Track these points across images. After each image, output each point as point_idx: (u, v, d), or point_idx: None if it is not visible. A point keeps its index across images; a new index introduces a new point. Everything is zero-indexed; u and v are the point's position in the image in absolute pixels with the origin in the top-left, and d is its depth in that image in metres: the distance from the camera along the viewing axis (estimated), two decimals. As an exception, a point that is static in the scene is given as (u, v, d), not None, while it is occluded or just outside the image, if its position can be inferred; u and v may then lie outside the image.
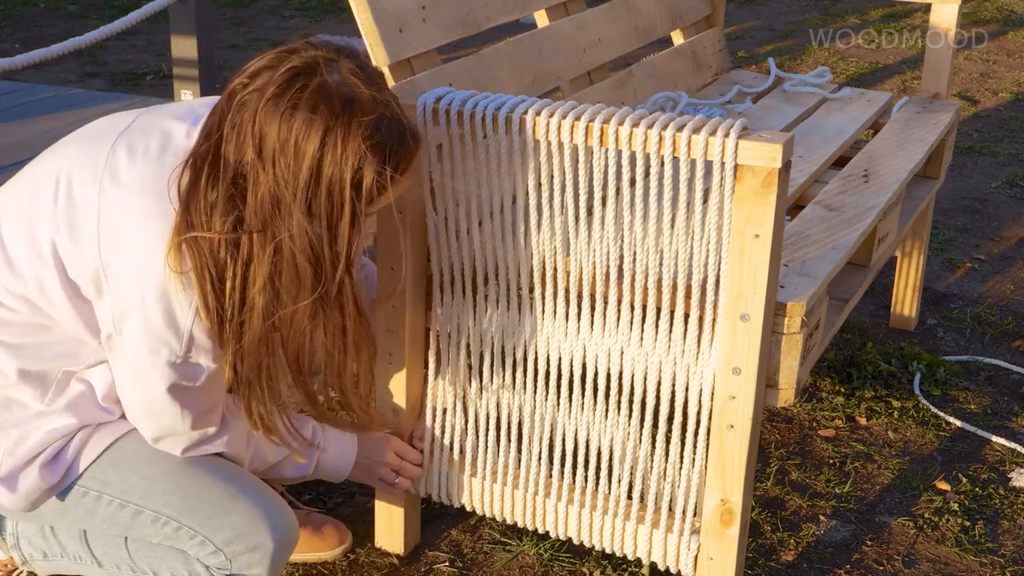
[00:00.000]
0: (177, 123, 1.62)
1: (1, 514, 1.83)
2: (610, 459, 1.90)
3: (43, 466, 1.69)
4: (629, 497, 1.95)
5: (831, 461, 2.48)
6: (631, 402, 1.84)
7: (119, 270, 1.55)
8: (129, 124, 1.64)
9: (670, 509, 1.88)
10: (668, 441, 1.85)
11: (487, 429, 1.98)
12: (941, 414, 2.66)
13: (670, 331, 1.77)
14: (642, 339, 1.79)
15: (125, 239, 1.54)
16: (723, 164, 1.63)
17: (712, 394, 1.77)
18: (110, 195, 1.55)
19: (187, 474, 1.72)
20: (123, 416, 1.74)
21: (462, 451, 2.03)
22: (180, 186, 1.53)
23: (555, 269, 1.82)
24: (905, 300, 3.04)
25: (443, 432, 2.01)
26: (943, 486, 2.41)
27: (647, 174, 1.72)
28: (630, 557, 1.92)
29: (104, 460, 1.71)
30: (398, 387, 1.98)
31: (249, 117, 1.48)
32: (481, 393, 1.95)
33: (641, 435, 1.86)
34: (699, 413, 1.79)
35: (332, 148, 1.47)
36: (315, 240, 1.50)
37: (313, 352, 1.62)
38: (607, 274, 1.78)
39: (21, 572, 1.92)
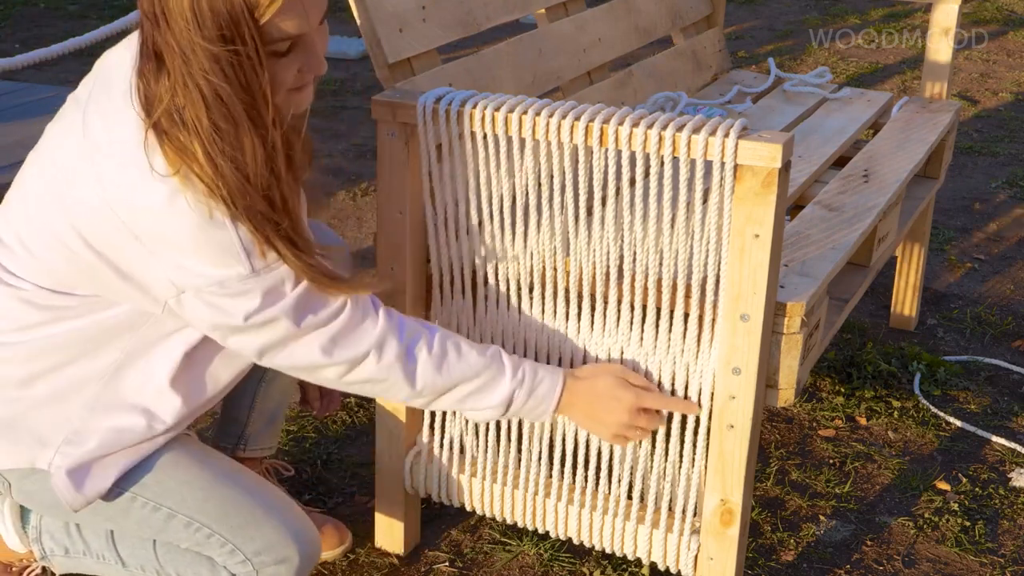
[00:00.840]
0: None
1: (31, 507, 1.83)
2: (610, 459, 1.90)
3: (102, 468, 1.69)
4: (629, 497, 1.95)
5: (831, 461, 2.48)
6: (631, 402, 1.84)
7: (148, 235, 1.54)
8: (90, 91, 1.64)
9: (670, 509, 1.88)
10: (668, 441, 1.85)
11: (487, 429, 1.98)
12: (941, 414, 2.66)
13: (670, 331, 1.77)
14: (642, 339, 1.79)
15: (133, 202, 1.53)
16: (723, 164, 1.63)
17: (712, 394, 1.77)
18: (102, 165, 1.55)
19: (222, 484, 1.73)
20: (179, 411, 1.73)
21: (462, 451, 2.03)
22: (141, 100, 1.54)
23: (555, 269, 1.82)
24: (905, 300, 3.04)
25: (443, 432, 2.01)
26: (943, 486, 2.41)
27: (647, 174, 1.72)
28: (630, 557, 1.92)
29: (142, 463, 1.72)
30: (398, 387, 1.99)
31: None
32: (481, 393, 1.95)
33: (641, 435, 1.87)
34: (699, 413, 1.79)
35: None
36: (227, 66, 1.48)
37: (279, 182, 1.57)
38: (607, 274, 1.78)
39: (33, 569, 1.92)
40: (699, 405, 1.78)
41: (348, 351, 1.67)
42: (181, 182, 1.51)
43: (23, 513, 1.86)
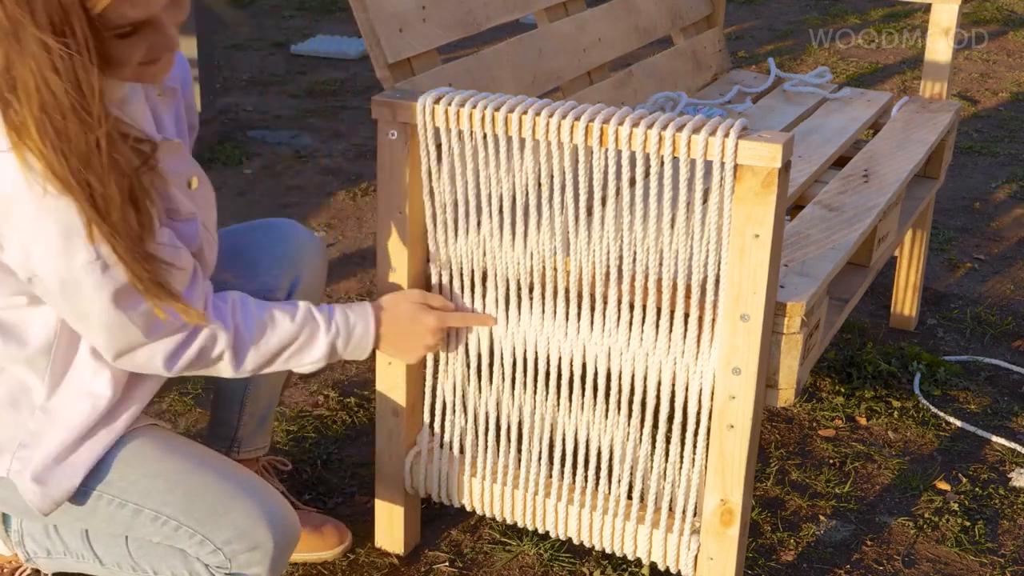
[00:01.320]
0: None
1: (8, 512, 1.83)
2: (610, 459, 1.90)
3: (68, 467, 1.68)
4: (629, 497, 1.95)
5: (831, 461, 2.48)
6: (631, 402, 1.84)
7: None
8: None
9: (670, 509, 1.88)
10: (668, 441, 1.85)
11: (487, 429, 1.98)
12: (941, 414, 2.66)
13: (670, 331, 1.77)
14: (642, 339, 1.79)
15: None
16: (723, 164, 1.63)
17: (712, 394, 1.77)
18: None
19: (187, 472, 1.71)
20: (111, 380, 1.71)
21: (462, 451, 2.03)
22: None
23: (555, 269, 1.82)
24: (905, 300, 3.04)
25: (443, 432, 2.01)
26: (943, 486, 2.41)
27: (647, 174, 1.72)
28: (630, 557, 1.92)
29: (105, 459, 1.71)
30: (398, 387, 1.99)
31: None
32: (481, 393, 1.95)
33: (641, 435, 1.87)
34: (699, 413, 1.79)
35: None
36: (57, 58, 1.41)
37: (100, 182, 1.52)
38: (607, 274, 1.78)
39: (24, 570, 1.92)
40: (495, 319, 1.88)
41: (187, 355, 1.68)
42: (19, 159, 1.46)
43: (4, 518, 1.85)
